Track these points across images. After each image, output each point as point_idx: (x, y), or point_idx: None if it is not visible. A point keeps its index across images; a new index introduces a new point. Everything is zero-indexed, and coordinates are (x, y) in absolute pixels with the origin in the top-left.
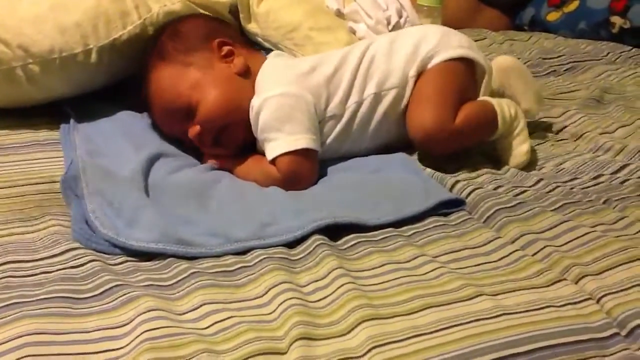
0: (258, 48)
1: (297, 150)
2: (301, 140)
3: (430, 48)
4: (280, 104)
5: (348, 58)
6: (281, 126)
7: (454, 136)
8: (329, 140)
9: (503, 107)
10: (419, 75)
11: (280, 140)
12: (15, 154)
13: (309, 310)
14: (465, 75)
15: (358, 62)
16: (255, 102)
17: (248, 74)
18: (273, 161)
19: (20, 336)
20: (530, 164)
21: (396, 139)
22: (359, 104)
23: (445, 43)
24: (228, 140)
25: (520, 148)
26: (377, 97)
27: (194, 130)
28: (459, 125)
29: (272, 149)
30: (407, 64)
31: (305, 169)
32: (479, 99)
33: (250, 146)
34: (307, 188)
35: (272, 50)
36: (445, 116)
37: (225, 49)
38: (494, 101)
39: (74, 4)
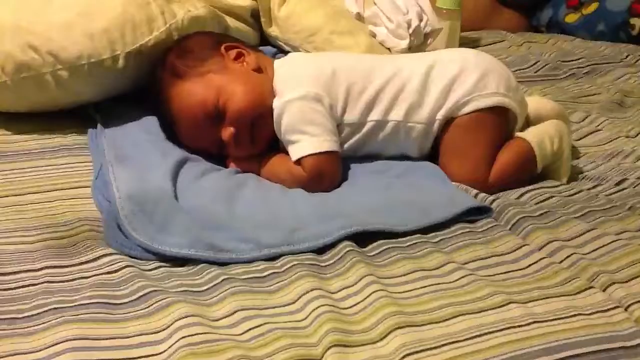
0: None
1: (321, 152)
2: (325, 142)
3: (464, 92)
4: (302, 107)
5: (375, 72)
6: (304, 128)
7: (491, 188)
8: (345, 146)
9: (544, 146)
10: (449, 119)
11: (305, 142)
12: (43, 158)
13: (341, 317)
14: (500, 125)
15: (386, 81)
16: (276, 105)
17: (262, 70)
18: (298, 161)
19: (63, 341)
20: None
21: (415, 157)
22: (381, 124)
23: (482, 87)
24: (261, 135)
25: (557, 176)
26: (402, 125)
27: (227, 132)
28: (494, 180)
29: (297, 151)
30: (437, 102)
31: (330, 170)
32: (517, 135)
33: (274, 144)
34: (330, 189)
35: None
36: (480, 172)
37: (234, 51)
38: (534, 141)
39: (102, 11)
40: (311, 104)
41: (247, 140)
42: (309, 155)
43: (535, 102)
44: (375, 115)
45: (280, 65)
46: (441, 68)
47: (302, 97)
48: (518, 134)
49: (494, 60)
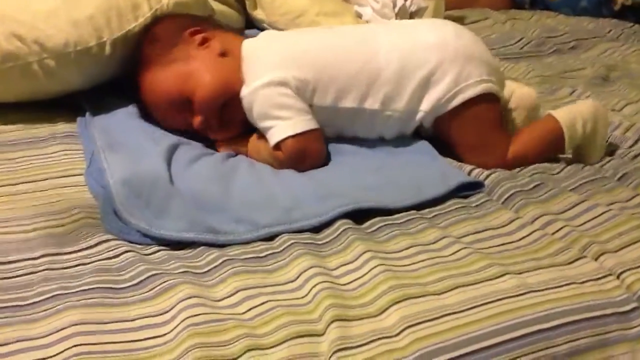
0: (236, 32)
1: (297, 134)
2: (298, 123)
3: (449, 86)
4: (268, 94)
5: (349, 54)
6: (275, 113)
7: (516, 163)
8: (326, 125)
9: (575, 128)
10: (439, 113)
11: (278, 127)
12: (35, 148)
13: (340, 292)
14: (494, 107)
15: (360, 67)
16: (244, 95)
17: (228, 53)
18: (277, 146)
19: (68, 326)
20: None
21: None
22: (358, 111)
23: (464, 78)
24: (231, 120)
25: (586, 158)
26: (379, 114)
27: (196, 120)
28: (514, 158)
29: (273, 136)
30: (415, 93)
31: (310, 148)
32: (549, 113)
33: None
34: (318, 166)
35: None
36: (499, 157)
37: (199, 37)
38: (565, 121)
39: None
40: (277, 88)
41: (218, 125)
42: (285, 138)
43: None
44: (349, 102)
45: (249, 47)
46: (419, 55)
47: (267, 83)
48: (551, 111)
49: (473, 41)
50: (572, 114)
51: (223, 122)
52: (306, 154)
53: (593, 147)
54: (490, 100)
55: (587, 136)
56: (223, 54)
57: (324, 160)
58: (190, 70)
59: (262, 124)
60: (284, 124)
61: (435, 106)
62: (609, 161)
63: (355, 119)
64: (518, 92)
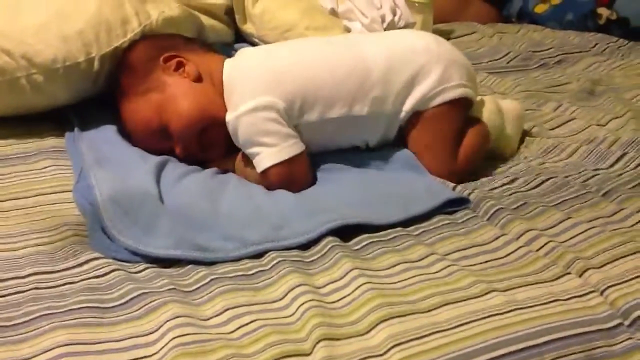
0: (215, 49)
1: (282, 161)
2: (283, 150)
3: (430, 86)
4: (253, 120)
5: (332, 63)
6: (260, 140)
7: (460, 172)
8: (310, 143)
9: (493, 122)
10: (416, 112)
11: (263, 153)
12: (23, 163)
13: (328, 311)
14: (463, 114)
15: (349, 70)
16: (229, 119)
17: (205, 78)
18: (263, 173)
19: (56, 347)
20: (527, 159)
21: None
22: (346, 120)
23: (447, 79)
24: (212, 144)
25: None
26: (366, 119)
27: (177, 149)
28: (462, 166)
29: (259, 164)
30: (400, 94)
31: (296, 174)
32: (471, 116)
33: None
34: (304, 188)
35: None
36: (451, 164)
37: (173, 62)
38: (485, 119)
39: (76, 13)
40: (262, 113)
41: (200, 150)
42: (271, 166)
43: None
44: (337, 112)
45: (229, 68)
46: (404, 58)
47: (253, 108)
48: (470, 115)
49: (453, 49)
50: (485, 110)
51: (204, 147)
52: (293, 180)
53: (503, 139)
54: (463, 106)
55: (498, 125)
56: (199, 79)
57: (311, 179)
58: (165, 98)
59: (248, 150)
60: (269, 151)
61: (416, 106)
62: (594, 176)
63: (343, 128)
64: (504, 105)
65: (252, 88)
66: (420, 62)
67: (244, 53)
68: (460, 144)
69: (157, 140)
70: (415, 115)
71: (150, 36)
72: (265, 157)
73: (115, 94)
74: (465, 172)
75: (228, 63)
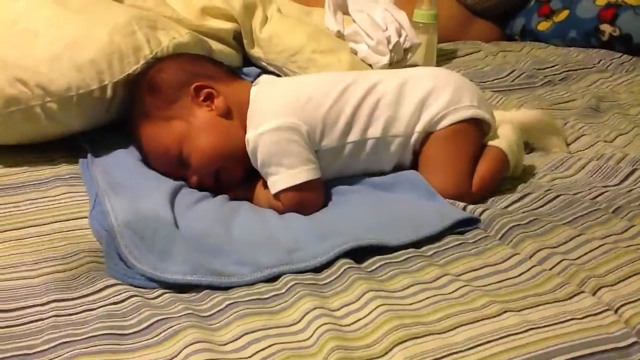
0: (253, 71)
1: (298, 184)
2: (301, 173)
3: (440, 107)
4: (276, 139)
5: (350, 92)
6: (280, 160)
7: (473, 196)
8: (327, 169)
9: (513, 149)
10: (428, 133)
11: (281, 174)
12: (38, 190)
13: (343, 334)
14: (476, 136)
15: (360, 100)
16: (250, 137)
17: (231, 112)
18: (277, 195)
19: None
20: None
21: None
22: (361, 143)
23: (456, 101)
24: (227, 178)
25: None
26: (381, 141)
27: (192, 179)
28: (477, 190)
29: (274, 184)
30: (412, 116)
31: (309, 199)
32: (490, 144)
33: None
34: (314, 212)
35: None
36: (464, 185)
37: (203, 92)
38: (505, 147)
39: (88, 41)
40: (286, 134)
41: (212, 183)
42: (286, 189)
43: (521, 115)
44: (353, 136)
45: (256, 95)
46: (414, 83)
47: (276, 128)
48: (490, 142)
49: (464, 78)
50: (506, 138)
51: (219, 180)
52: (304, 204)
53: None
54: (476, 127)
55: (521, 151)
56: (226, 114)
57: (323, 202)
58: (189, 130)
59: (264, 169)
60: (285, 173)
61: (427, 126)
62: (603, 193)
63: (359, 152)
64: (520, 116)
65: (276, 109)
66: (429, 86)
67: (269, 80)
68: (475, 168)
69: (172, 167)
70: (427, 136)
71: (181, 56)
72: (282, 179)
73: (134, 112)
74: (479, 197)
75: (254, 90)
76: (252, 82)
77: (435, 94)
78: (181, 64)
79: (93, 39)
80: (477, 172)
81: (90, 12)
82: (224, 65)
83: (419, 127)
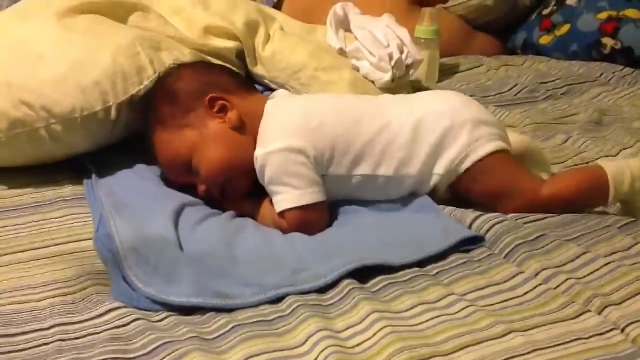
0: (258, 88)
1: (303, 206)
2: (306, 195)
3: (461, 148)
4: (284, 160)
5: (363, 125)
6: (287, 180)
7: (552, 202)
8: (334, 195)
9: (621, 178)
10: (454, 175)
11: (287, 194)
12: (42, 212)
13: (349, 357)
14: (507, 159)
15: (375, 135)
16: (259, 155)
17: (244, 125)
18: (281, 214)
19: None
20: None
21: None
22: (371, 178)
23: (476, 139)
24: (234, 191)
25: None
26: (393, 180)
27: (200, 188)
28: (548, 193)
29: (279, 204)
30: (429, 158)
31: (314, 220)
32: (597, 163)
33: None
34: (319, 232)
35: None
36: (529, 194)
37: (218, 104)
38: (611, 170)
39: (92, 63)
40: (293, 156)
41: (219, 194)
42: (291, 209)
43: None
44: (363, 170)
45: (271, 110)
46: (431, 121)
47: (285, 149)
48: (599, 162)
49: (480, 107)
50: (621, 167)
51: (225, 194)
52: (308, 225)
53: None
54: (502, 153)
55: (637, 192)
56: (239, 128)
57: (328, 223)
58: (201, 140)
59: (271, 187)
60: (291, 194)
61: (449, 168)
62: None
63: (368, 186)
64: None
65: (285, 130)
66: (446, 125)
67: (284, 96)
68: (534, 175)
69: (181, 174)
70: (461, 182)
71: (198, 65)
72: (287, 199)
73: (151, 119)
74: (553, 205)
75: (269, 104)
76: (269, 96)
77: (453, 134)
78: (199, 74)
79: (97, 60)
80: (558, 178)
81: (94, 34)
82: (241, 77)
83: (438, 170)
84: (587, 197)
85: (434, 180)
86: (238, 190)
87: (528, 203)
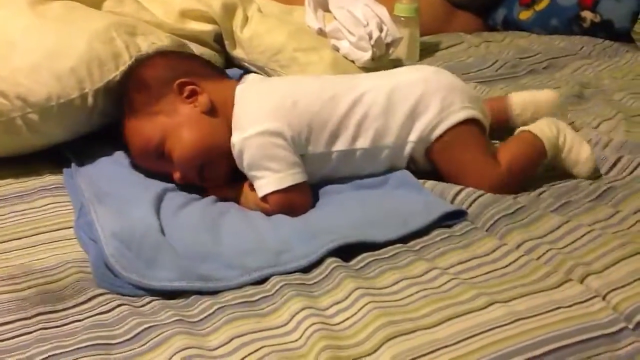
0: (238, 71)
1: (285, 188)
2: (287, 177)
3: (433, 115)
4: (261, 144)
5: (337, 101)
6: (266, 164)
7: (509, 182)
8: (315, 173)
9: (544, 131)
10: (427, 142)
11: (268, 178)
12: (23, 202)
13: (333, 333)
14: (478, 132)
15: (348, 109)
16: (235, 141)
17: (215, 109)
18: (264, 198)
19: None
20: None
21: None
22: (349, 153)
23: (448, 106)
24: (212, 175)
25: (580, 156)
26: (370, 152)
27: (175, 175)
28: (507, 172)
29: (261, 188)
30: (403, 126)
31: (297, 202)
32: (517, 131)
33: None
34: (302, 214)
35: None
36: (491, 173)
37: (187, 89)
38: (535, 129)
39: (67, 50)
40: (271, 138)
41: (197, 179)
42: (272, 192)
43: (530, 96)
44: (341, 145)
45: (242, 94)
46: (403, 91)
47: (261, 132)
48: (519, 129)
49: (452, 76)
50: (536, 124)
51: (203, 178)
52: (292, 207)
53: (567, 152)
54: (473, 125)
55: (557, 138)
56: (210, 111)
57: (311, 204)
58: (172, 125)
59: (251, 173)
60: (272, 177)
61: (422, 135)
62: (592, 184)
63: (347, 160)
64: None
65: (261, 113)
66: (418, 94)
67: (255, 80)
68: (496, 157)
69: (155, 162)
70: (433, 149)
71: (169, 53)
72: (268, 183)
73: (124, 108)
74: (514, 181)
75: (239, 89)
76: (238, 81)
77: (425, 102)
78: (168, 61)
79: (72, 47)
80: (504, 153)
81: (68, 20)
82: (211, 64)
83: (412, 137)
84: (532, 161)
85: (409, 148)
86: (217, 176)
87: (492, 181)
